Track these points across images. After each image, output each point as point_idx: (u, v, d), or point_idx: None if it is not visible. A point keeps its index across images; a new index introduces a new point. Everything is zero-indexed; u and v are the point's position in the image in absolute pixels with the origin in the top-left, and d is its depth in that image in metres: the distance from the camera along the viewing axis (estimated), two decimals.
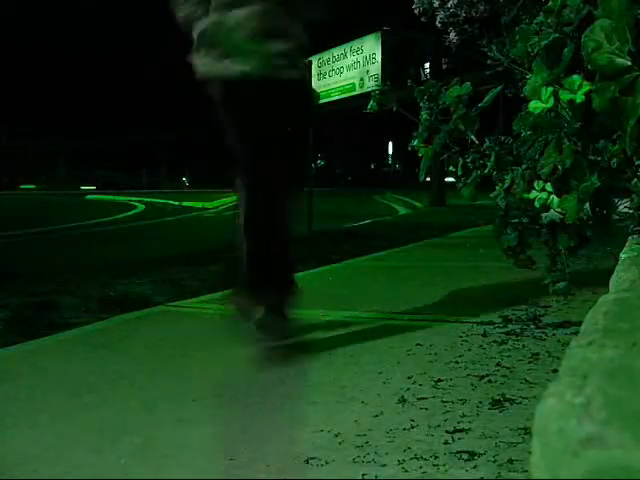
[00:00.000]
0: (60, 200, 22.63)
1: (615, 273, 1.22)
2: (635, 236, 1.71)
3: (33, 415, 1.75)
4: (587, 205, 1.63)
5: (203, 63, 2.26)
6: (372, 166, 40.78)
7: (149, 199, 20.43)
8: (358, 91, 17.03)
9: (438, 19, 6.07)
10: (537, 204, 1.71)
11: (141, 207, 17.60)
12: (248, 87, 2.20)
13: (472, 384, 1.80)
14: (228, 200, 17.48)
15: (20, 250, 7.19)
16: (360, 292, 3.43)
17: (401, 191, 19.73)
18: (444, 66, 15.23)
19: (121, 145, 37.33)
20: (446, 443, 1.43)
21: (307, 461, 1.38)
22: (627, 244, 1.65)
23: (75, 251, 7.01)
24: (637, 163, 1.57)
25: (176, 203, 18.32)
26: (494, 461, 1.33)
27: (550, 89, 1.50)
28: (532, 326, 2.40)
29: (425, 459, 1.36)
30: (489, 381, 1.82)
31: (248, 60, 2.20)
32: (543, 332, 2.30)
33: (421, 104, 2.10)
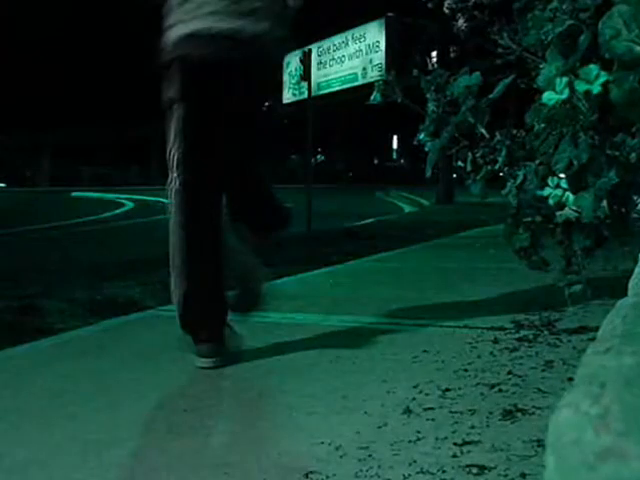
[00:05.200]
0: (45, 197, 22.66)
1: (634, 275, 1.22)
2: None
3: (16, 425, 1.75)
4: (604, 202, 1.62)
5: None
6: (375, 161, 40.75)
7: (138, 196, 20.42)
8: (361, 81, 17.02)
9: (446, 5, 6.07)
10: (551, 202, 1.70)
11: (130, 205, 17.60)
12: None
13: (482, 393, 1.80)
14: None
15: (2, 251, 7.19)
16: (362, 295, 3.43)
17: (406, 188, 19.72)
18: (452, 55, 15.22)
19: (111, 140, 37.33)
20: (454, 456, 1.43)
21: (307, 475, 1.38)
22: None
23: (60, 252, 7.00)
24: None
25: (167, 201, 18.30)
26: (505, 475, 1.33)
27: (565, 79, 1.50)
28: (546, 332, 2.40)
29: (432, 473, 1.36)
30: (500, 390, 1.82)
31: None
32: (557, 338, 2.30)
33: (428, 95, 2.10)
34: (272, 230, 2.59)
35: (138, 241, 8.32)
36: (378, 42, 16.90)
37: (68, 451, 1.58)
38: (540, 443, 1.43)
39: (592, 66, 1.47)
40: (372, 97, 2.27)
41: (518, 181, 1.85)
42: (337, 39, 17.71)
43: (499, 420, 1.60)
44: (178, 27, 2.19)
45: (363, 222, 9.32)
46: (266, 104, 2.64)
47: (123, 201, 18.99)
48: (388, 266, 4.76)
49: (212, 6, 2.16)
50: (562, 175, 1.66)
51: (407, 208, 14.42)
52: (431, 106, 2.08)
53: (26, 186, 32.21)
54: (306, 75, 9.24)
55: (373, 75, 16.05)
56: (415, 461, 1.41)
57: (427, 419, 1.65)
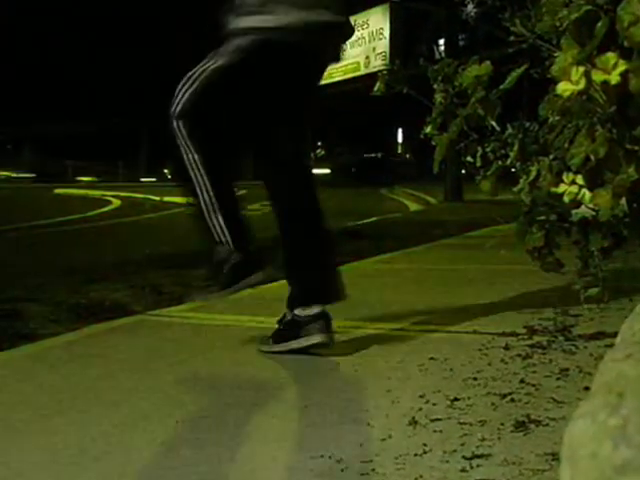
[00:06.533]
0: (26, 194, 22.66)
1: None
2: None
3: None
4: (623, 200, 1.62)
5: None
6: (379, 156, 40.77)
7: (125, 193, 20.42)
8: (363, 71, 17.02)
9: None
10: (566, 199, 1.70)
11: (117, 203, 17.60)
12: None
13: (493, 403, 1.80)
14: None
15: None
16: (365, 299, 3.43)
17: (412, 184, 19.72)
18: (461, 43, 15.22)
19: (95, 132, 37.39)
20: (463, 470, 1.43)
21: None
22: None
23: (43, 252, 7.01)
24: None
25: (157, 198, 18.33)
26: None
27: (581, 69, 1.50)
28: (561, 338, 2.40)
29: None
30: (512, 400, 1.82)
31: None
32: (573, 344, 2.31)
33: (435, 86, 2.10)
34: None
35: (126, 241, 8.32)
36: (382, 29, 16.89)
37: (49, 467, 1.58)
38: (555, 456, 1.43)
39: (610, 55, 1.47)
40: (375, 88, 2.27)
41: (531, 177, 1.85)
42: None
43: (511, 432, 1.60)
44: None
45: (366, 221, 9.32)
46: None
47: (109, 198, 18.99)
48: (392, 268, 4.76)
49: None
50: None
51: (413, 206, 14.42)
52: (438, 97, 2.08)
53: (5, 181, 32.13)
54: None
55: (377, 64, 16.04)
56: (421, 476, 1.41)
57: (434, 431, 1.65)
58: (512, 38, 1.90)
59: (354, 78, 16.86)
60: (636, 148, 1.56)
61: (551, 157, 1.79)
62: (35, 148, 38.74)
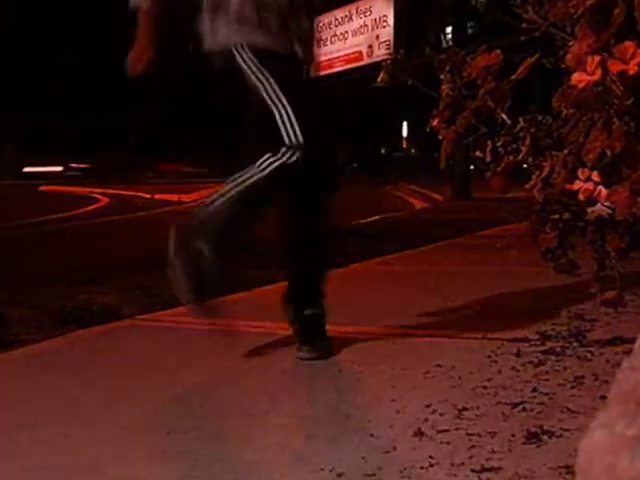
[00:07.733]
0: (11, 192, 22.69)
1: None
2: None
3: None
4: None
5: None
6: (382, 151, 40.79)
7: (114, 190, 20.45)
8: (366, 61, 17.00)
9: None
10: (581, 197, 1.70)
11: (105, 200, 17.63)
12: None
13: (503, 413, 1.80)
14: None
15: None
16: (369, 303, 3.44)
17: (417, 181, 19.73)
18: (469, 30, 15.23)
19: (84, 127, 37.49)
20: None
21: None
22: None
23: (28, 253, 7.01)
24: None
25: (147, 196, 18.36)
26: None
27: (597, 58, 1.50)
28: (575, 344, 2.40)
29: None
30: (524, 410, 1.82)
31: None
32: (588, 351, 2.31)
33: (442, 76, 2.10)
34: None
35: (115, 241, 8.33)
36: (386, 16, 16.88)
37: (37, 478, 1.58)
38: (569, 470, 1.43)
39: (628, 43, 1.47)
40: (379, 78, 2.27)
41: (544, 173, 1.85)
42: (339, 13, 17.68)
43: (522, 444, 1.60)
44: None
45: (368, 219, 9.32)
46: None
47: (97, 196, 19.02)
48: (397, 269, 4.76)
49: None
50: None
51: (418, 204, 14.43)
52: (445, 89, 2.07)
53: None
54: None
55: (380, 53, 16.02)
56: None
57: (441, 442, 1.64)
58: (524, 25, 1.90)
59: (356, 68, 16.83)
60: None
61: (565, 152, 1.78)
62: (20, 143, 38.77)
